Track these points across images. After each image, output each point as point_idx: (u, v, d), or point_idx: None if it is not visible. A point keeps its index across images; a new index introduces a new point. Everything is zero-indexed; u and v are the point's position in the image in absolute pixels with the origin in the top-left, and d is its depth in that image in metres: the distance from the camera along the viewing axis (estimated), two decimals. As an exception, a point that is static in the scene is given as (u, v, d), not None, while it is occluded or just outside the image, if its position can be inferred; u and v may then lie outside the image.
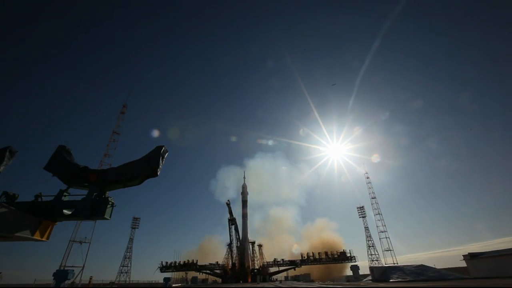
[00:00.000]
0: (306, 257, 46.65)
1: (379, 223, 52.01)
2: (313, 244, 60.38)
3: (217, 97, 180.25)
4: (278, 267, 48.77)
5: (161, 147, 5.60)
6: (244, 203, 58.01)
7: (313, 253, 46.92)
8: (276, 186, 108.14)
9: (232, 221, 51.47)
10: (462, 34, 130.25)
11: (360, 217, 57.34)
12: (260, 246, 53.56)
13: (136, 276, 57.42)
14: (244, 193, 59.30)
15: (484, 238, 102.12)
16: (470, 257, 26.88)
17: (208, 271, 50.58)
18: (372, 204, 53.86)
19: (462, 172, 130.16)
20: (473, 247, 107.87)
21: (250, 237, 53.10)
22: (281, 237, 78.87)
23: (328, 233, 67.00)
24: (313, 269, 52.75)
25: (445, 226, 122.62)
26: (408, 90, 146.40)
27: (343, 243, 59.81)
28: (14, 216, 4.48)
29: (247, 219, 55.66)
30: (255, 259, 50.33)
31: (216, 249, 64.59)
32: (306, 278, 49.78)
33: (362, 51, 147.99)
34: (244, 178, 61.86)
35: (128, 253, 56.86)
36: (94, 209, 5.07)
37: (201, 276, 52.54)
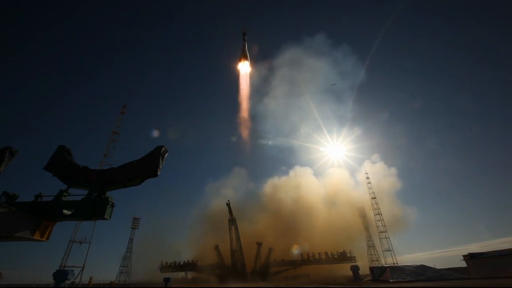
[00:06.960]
0: (306, 257, 47.31)
1: (379, 223, 51.97)
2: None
3: (217, 97, 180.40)
4: (278, 267, 48.87)
5: (161, 147, 5.59)
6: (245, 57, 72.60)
7: (313, 253, 47.34)
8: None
9: (232, 221, 51.36)
10: (462, 34, 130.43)
11: (360, 217, 57.34)
12: (259, 243, 52.96)
13: (136, 276, 57.09)
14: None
15: (484, 238, 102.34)
16: (470, 257, 26.82)
17: (207, 272, 50.48)
18: (372, 204, 53.82)
19: (462, 172, 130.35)
20: (473, 247, 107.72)
21: (258, 239, 51.94)
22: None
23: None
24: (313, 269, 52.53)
25: (445, 226, 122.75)
26: (408, 90, 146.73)
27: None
28: (14, 216, 4.47)
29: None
30: (257, 259, 50.09)
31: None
32: (306, 278, 49.66)
33: (362, 51, 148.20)
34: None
35: (128, 253, 56.83)
36: (94, 209, 5.06)
37: (201, 275, 52.40)
